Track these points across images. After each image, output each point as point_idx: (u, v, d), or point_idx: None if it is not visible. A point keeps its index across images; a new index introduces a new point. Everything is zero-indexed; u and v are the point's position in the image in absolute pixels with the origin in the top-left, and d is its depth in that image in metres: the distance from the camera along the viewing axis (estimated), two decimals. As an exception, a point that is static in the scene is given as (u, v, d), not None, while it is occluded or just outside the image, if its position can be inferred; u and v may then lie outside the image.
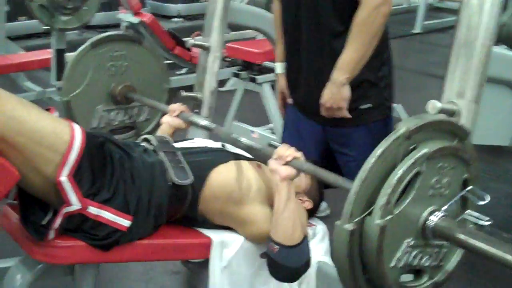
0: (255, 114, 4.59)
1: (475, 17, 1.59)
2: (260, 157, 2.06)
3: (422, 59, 7.01)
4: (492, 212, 3.26)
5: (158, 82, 2.94)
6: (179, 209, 1.95)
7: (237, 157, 2.10)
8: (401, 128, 1.30)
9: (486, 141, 1.97)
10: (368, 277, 1.36)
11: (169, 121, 2.31)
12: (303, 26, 2.18)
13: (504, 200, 3.28)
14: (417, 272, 1.44)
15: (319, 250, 2.17)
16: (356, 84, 2.13)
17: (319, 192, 2.14)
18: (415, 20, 8.40)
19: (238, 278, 2.00)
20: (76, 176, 1.68)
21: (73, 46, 3.92)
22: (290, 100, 2.43)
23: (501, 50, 1.91)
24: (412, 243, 1.35)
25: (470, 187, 1.40)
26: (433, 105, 1.55)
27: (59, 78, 4.26)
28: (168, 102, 2.93)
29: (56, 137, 1.68)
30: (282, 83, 2.44)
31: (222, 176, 1.98)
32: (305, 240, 1.87)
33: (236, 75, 4.32)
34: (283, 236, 1.82)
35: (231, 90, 5.19)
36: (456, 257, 1.47)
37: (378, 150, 1.28)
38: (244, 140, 2.03)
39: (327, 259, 2.17)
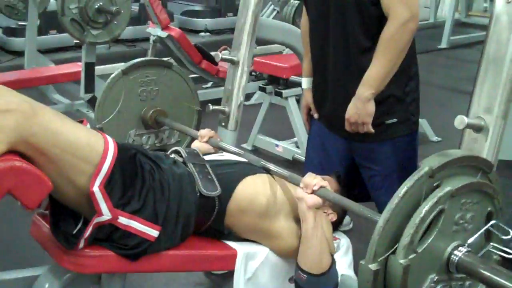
0: (280, 128, 4.60)
1: (504, 32, 1.59)
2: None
3: (448, 75, 6.97)
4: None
5: (187, 103, 3.01)
6: (206, 221, 1.97)
7: (264, 171, 2.12)
8: (425, 167, 1.30)
9: (512, 157, 1.97)
10: None
11: (198, 146, 2.33)
12: (330, 41, 2.19)
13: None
14: None
15: (343, 264, 2.17)
16: (382, 99, 2.13)
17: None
18: (441, 35, 8.37)
19: (263, 289, 2.01)
20: (108, 186, 1.71)
21: (101, 60, 3.99)
22: (316, 115, 2.44)
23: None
24: (436, 278, 1.35)
25: (493, 222, 1.39)
26: (461, 120, 1.55)
27: (88, 90, 4.35)
28: (198, 124, 2.99)
29: (90, 149, 1.71)
30: (308, 97, 2.45)
31: (248, 189, 2.00)
32: (333, 265, 1.88)
33: (262, 89, 4.35)
34: (310, 265, 1.84)
35: (256, 103, 5.23)
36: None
37: (402, 190, 1.29)
38: (272, 167, 2.05)
39: (351, 273, 2.17)
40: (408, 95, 2.20)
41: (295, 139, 4.11)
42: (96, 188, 1.68)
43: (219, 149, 2.34)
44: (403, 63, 2.10)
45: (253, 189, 2.00)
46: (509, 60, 1.58)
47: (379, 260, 1.29)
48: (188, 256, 1.93)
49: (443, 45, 8.29)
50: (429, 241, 1.30)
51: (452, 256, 1.34)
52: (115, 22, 4.19)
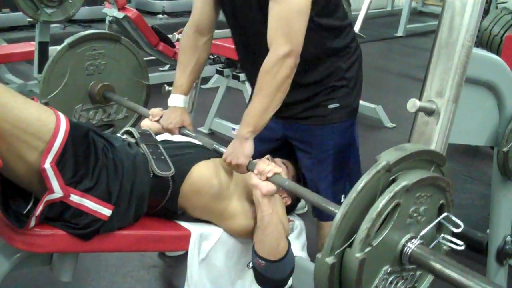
0: (237, 111, 4.59)
1: (457, 18, 1.61)
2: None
3: (404, 62, 7.06)
4: (467, 212, 3.34)
5: (137, 78, 2.95)
6: (159, 201, 1.96)
7: (218, 155, 2.11)
8: (382, 162, 1.31)
9: (463, 141, 2.00)
10: None
11: (149, 125, 2.29)
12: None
13: (478, 201, 3.33)
14: None
15: (296, 246, 2.20)
16: (326, 84, 2.12)
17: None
18: (398, 23, 8.48)
19: (216, 270, 2.02)
20: (59, 163, 1.68)
21: (56, 40, 3.93)
22: None
23: (481, 51, 1.94)
24: (389, 270, 1.37)
25: (445, 214, 1.42)
26: (413, 103, 1.57)
27: (41, 70, 4.25)
28: (147, 99, 2.94)
29: (41, 125, 1.68)
30: (185, 117, 2.26)
31: (203, 171, 2.00)
32: (289, 249, 1.91)
33: (219, 72, 4.33)
34: (268, 251, 1.86)
35: (213, 87, 5.21)
36: (428, 279, 1.50)
37: (360, 184, 1.29)
38: (224, 150, 2.02)
39: (304, 254, 2.21)
40: (350, 81, 2.17)
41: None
42: (47, 165, 1.66)
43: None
44: (344, 50, 2.10)
45: (207, 172, 2.00)
46: (461, 45, 1.60)
47: (335, 253, 1.30)
48: (141, 236, 1.93)
49: (400, 33, 8.40)
50: (384, 234, 1.32)
51: (405, 248, 1.36)
52: (70, 1, 4.12)
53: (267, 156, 2.04)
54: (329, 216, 2.30)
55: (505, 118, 2.01)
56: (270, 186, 1.83)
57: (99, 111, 2.86)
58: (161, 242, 1.99)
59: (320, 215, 2.32)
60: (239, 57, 2.28)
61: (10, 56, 4.68)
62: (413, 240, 1.37)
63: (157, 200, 1.96)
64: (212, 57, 5.07)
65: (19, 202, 1.75)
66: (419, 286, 1.50)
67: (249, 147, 1.92)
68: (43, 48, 4.26)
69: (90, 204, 1.75)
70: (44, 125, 1.69)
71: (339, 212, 1.29)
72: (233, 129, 4.16)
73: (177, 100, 2.23)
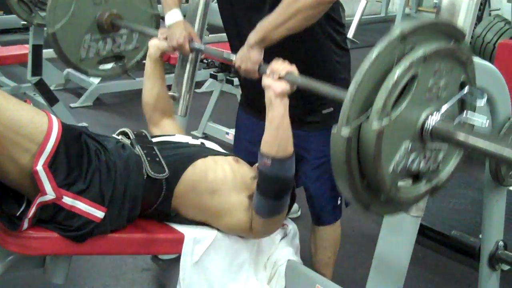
0: (230, 116, 4.59)
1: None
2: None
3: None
4: (459, 217, 3.35)
5: (144, 7, 2.87)
6: (152, 203, 1.96)
7: (216, 153, 2.12)
8: (397, 30, 1.26)
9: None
10: (366, 183, 1.34)
11: (157, 43, 2.29)
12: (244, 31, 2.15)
13: (470, 206, 3.35)
14: (416, 178, 1.43)
15: (290, 250, 2.20)
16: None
17: (291, 194, 2.17)
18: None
19: (209, 274, 2.02)
20: (52, 166, 1.68)
21: (49, 43, 3.92)
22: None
23: (474, 58, 1.95)
24: (410, 146, 1.33)
25: (467, 89, 1.37)
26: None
27: (35, 73, 4.26)
28: (157, 27, 2.85)
29: (34, 127, 1.68)
30: (188, 26, 2.30)
31: (199, 170, 1.99)
32: (294, 153, 1.87)
33: (213, 76, 4.34)
34: (277, 149, 1.82)
35: (207, 91, 5.22)
36: (454, 160, 1.46)
37: (373, 53, 1.24)
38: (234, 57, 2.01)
39: (297, 259, 2.21)
40: (343, 85, 2.16)
41: (246, 127, 4.11)
42: (39, 167, 1.66)
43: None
44: (337, 54, 2.11)
45: (204, 169, 2.00)
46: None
47: (351, 127, 1.25)
48: (134, 239, 1.93)
49: (393, 39, 8.43)
50: (402, 107, 1.27)
51: (426, 123, 1.32)
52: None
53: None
54: (325, 221, 2.33)
55: (497, 125, 2.02)
56: (283, 85, 1.79)
57: (108, 41, 2.81)
58: (154, 245, 1.99)
59: (317, 219, 2.33)
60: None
61: (4, 59, 4.68)
62: (434, 114, 1.33)
63: (150, 202, 1.95)
64: (206, 62, 5.07)
65: (11, 204, 1.74)
66: (444, 168, 1.46)
67: (255, 54, 1.93)
68: (37, 51, 4.24)
69: (82, 206, 1.75)
70: (37, 127, 1.69)
71: (353, 81, 1.25)
72: (227, 133, 4.16)
73: (174, 15, 2.25)
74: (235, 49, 2.16)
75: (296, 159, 2.19)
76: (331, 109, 2.15)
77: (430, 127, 1.32)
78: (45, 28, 2.65)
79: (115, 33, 2.81)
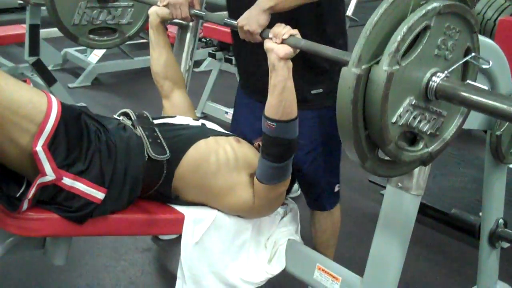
0: (229, 95, 4.58)
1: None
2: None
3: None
4: (458, 195, 3.36)
5: None
6: (153, 184, 1.95)
7: (217, 133, 2.11)
8: None
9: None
10: (367, 134, 1.37)
11: (156, 10, 2.27)
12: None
13: (470, 184, 3.35)
14: (414, 140, 1.47)
15: (290, 229, 2.20)
16: (308, 68, 2.08)
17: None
18: None
19: (209, 254, 2.02)
20: (52, 146, 1.67)
21: (47, 23, 3.89)
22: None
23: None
24: (414, 101, 1.36)
25: (472, 55, 1.42)
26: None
27: (32, 53, 4.23)
28: None
29: (33, 107, 1.67)
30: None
31: (200, 151, 1.99)
32: (297, 116, 1.87)
33: (212, 55, 4.32)
34: (281, 113, 1.82)
35: (206, 70, 5.19)
36: (453, 127, 1.50)
37: None
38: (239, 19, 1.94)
39: (298, 238, 2.21)
40: (336, 66, 2.15)
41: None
42: (39, 148, 1.65)
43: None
44: (331, 34, 2.07)
45: (205, 150, 1.99)
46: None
47: (362, 67, 1.27)
48: (135, 220, 1.92)
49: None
50: (413, 57, 1.31)
51: (431, 81, 1.36)
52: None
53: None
54: (322, 207, 2.31)
55: (498, 102, 2.01)
56: (286, 48, 1.76)
57: (103, 11, 2.81)
58: (154, 226, 1.99)
59: (313, 206, 2.32)
60: (234, 43, 2.26)
61: (1, 39, 4.66)
62: (439, 74, 1.37)
63: (151, 183, 1.95)
64: (204, 40, 5.04)
65: (11, 185, 1.74)
66: (442, 135, 1.50)
67: (264, 18, 1.88)
68: (34, 31, 4.22)
69: (82, 187, 1.74)
70: (36, 108, 1.67)
71: (369, 21, 1.27)
72: (226, 112, 4.15)
73: None
74: (236, 37, 2.14)
75: None
76: (321, 90, 2.12)
77: (436, 85, 1.36)
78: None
79: (112, 4, 2.80)
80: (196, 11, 2.19)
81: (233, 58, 4.07)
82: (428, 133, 1.46)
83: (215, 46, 4.43)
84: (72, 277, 2.60)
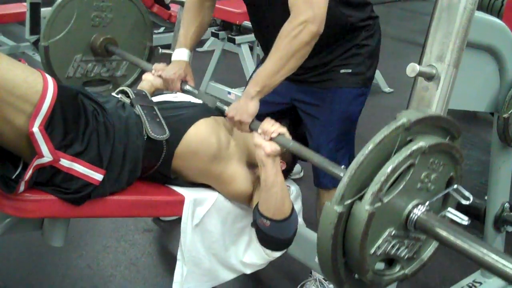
0: (232, 75, 4.55)
1: (459, -21, 1.56)
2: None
3: (403, 26, 6.99)
4: (464, 178, 3.31)
5: (140, 38, 2.88)
6: (153, 165, 1.93)
7: (218, 113, 2.08)
8: (403, 118, 1.30)
9: (462, 107, 1.96)
10: (345, 261, 1.37)
11: (151, 80, 2.24)
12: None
13: (476, 167, 3.32)
14: (390, 262, 1.47)
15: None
16: (342, 50, 2.09)
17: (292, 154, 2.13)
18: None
19: (210, 236, 2.00)
20: (48, 127, 1.64)
21: (48, 1, 3.84)
22: None
23: (483, 14, 1.89)
24: (393, 232, 1.37)
25: (455, 186, 1.42)
26: (412, 68, 1.53)
27: (33, 32, 4.19)
28: (149, 59, 2.89)
29: (28, 87, 1.63)
30: (187, 70, 2.24)
31: (200, 131, 1.96)
32: (293, 209, 1.88)
33: (214, 35, 4.27)
34: (273, 211, 1.82)
35: (209, 50, 5.15)
36: (429, 251, 1.50)
37: (378, 137, 1.27)
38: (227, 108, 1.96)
39: (299, 220, 2.18)
40: (367, 50, 2.14)
41: (248, 86, 4.07)
42: (35, 129, 1.61)
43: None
44: (362, 19, 2.07)
45: (205, 131, 1.96)
46: (463, 8, 1.55)
47: (345, 203, 1.28)
48: (134, 201, 1.90)
49: (399, -4, 8.32)
50: (395, 193, 1.31)
51: (412, 213, 1.37)
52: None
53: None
54: (329, 183, 2.28)
55: (506, 84, 1.97)
56: (274, 146, 1.78)
57: (98, 64, 2.80)
58: (154, 208, 1.96)
59: (320, 183, 2.29)
60: (253, 25, 2.24)
61: (2, 17, 4.60)
62: (420, 206, 1.37)
63: (150, 164, 1.92)
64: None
65: (7, 167, 1.71)
66: (418, 257, 1.50)
67: (253, 106, 1.86)
68: (35, 9, 4.16)
69: (80, 168, 1.71)
70: (31, 87, 1.63)
71: (355, 160, 1.28)
72: (229, 92, 4.11)
73: (181, 53, 2.20)
74: (258, 38, 2.23)
75: (305, 118, 2.15)
76: (350, 70, 2.12)
77: (415, 218, 1.36)
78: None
79: (107, 58, 2.80)
80: (188, 87, 2.15)
81: (236, 37, 4.03)
82: (406, 257, 1.46)
83: (218, 25, 4.38)
84: (72, 258, 2.59)
